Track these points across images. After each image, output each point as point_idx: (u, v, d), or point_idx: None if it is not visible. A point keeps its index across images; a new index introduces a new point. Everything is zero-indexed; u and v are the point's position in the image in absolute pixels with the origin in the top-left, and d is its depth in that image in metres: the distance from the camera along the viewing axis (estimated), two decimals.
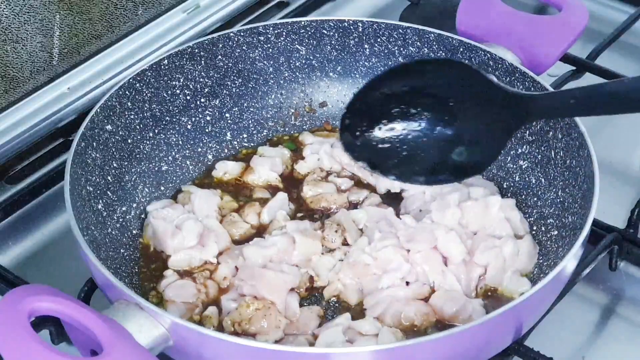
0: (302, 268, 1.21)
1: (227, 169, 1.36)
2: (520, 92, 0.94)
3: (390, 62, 1.41)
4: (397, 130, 0.96)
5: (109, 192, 1.26)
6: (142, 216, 1.29)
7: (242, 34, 1.39)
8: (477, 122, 0.94)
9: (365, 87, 0.99)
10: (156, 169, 1.34)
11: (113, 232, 1.24)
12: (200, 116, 1.39)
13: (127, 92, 1.31)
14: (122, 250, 1.24)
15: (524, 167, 1.33)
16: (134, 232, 1.27)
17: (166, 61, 1.35)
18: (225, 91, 1.41)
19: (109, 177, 1.27)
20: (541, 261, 1.22)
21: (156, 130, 1.35)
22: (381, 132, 0.97)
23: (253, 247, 1.23)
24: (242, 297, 1.17)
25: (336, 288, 1.20)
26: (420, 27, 1.38)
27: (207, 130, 1.40)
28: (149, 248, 1.26)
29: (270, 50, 1.41)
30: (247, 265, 1.21)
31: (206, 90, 1.39)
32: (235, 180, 1.35)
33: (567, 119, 1.24)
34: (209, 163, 1.38)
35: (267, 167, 1.35)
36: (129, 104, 1.31)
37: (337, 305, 1.20)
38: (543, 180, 1.29)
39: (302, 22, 1.41)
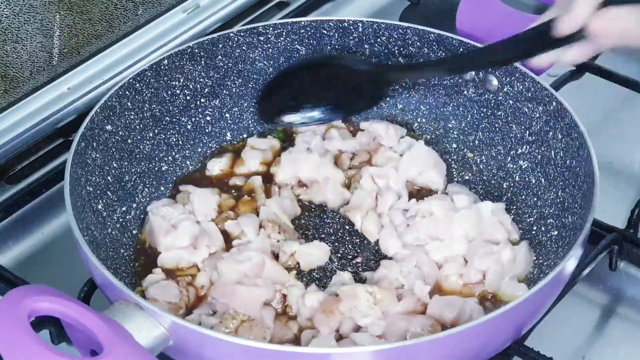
0: (276, 283, 1.20)
1: (218, 166, 1.35)
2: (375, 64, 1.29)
3: (390, 62, 1.41)
4: (301, 114, 1.26)
5: (109, 192, 1.26)
6: (142, 216, 1.29)
7: (242, 34, 1.39)
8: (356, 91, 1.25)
9: (266, 86, 1.30)
10: (156, 169, 1.34)
11: (113, 232, 1.24)
12: (200, 116, 1.39)
13: (127, 92, 1.31)
14: (122, 250, 1.24)
15: (524, 167, 1.33)
16: (134, 232, 1.27)
17: (166, 61, 1.35)
18: (225, 91, 1.41)
19: (109, 177, 1.27)
20: (541, 261, 1.22)
21: (156, 130, 1.35)
22: (288, 116, 1.27)
23: (228, 262, 1.20)
24: (221, 312, 1.16)
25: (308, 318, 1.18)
26: (420, 27, 1.38)
27: (207, 130, 1.40)
28: (145, 244, 1.26)
29: (270, 50, 1.41)
30: (220, 283, 1.19)
31: (206, 90, 1.39)
32: (227, 175, 1.35)
33: (568, 119, 1.24)
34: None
35: (258, 160, 1.35)
36: (129, 104, 1.31)
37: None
38: (543, 180, 1.29)
39: (302, 22, 1.41)
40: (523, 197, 1.31)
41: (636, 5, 0.98)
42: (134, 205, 1.29)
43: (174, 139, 1.37)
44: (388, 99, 1.39)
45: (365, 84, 1.23)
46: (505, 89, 1.34)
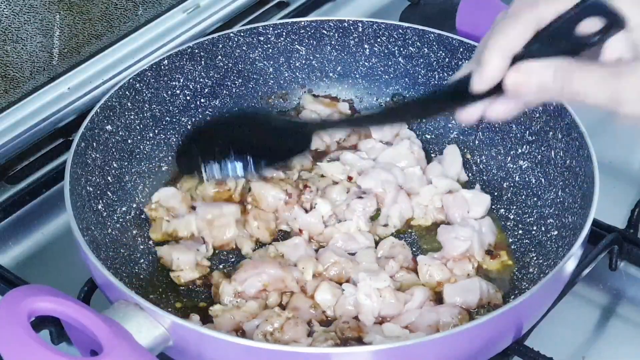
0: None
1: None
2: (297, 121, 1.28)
3: (390, 62, 1.41)
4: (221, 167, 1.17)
5: (109, 192, 1.26)
6: (142, 216, 1.29)
7: (242, 34, 1.39)
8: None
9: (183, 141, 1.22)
10: (156, 169, 1.34)
11: (113, 233, 1.24)
12: (200, 116, 1.39)
13: (127, 92, 1.31)
14: (122, 250, 1.24)
15: (524, 167, 1.33)
16: (134, 232, 1.27)
17: (166, 61, 1.35)
18: (225, 91, 1.41)
19: (109, 177, 1.27)
20: (541, 261, 1.22)
21: (156, 131, 1.35)
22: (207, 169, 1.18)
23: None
24: (271, 310, 1.16)
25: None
26: (420, 27, 1.38)
27: None
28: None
29: (270, 50, 1.41)
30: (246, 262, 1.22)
31: (206, 90, 1.39)
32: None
33: (568, 119, 1.24)
34: None
35: None
36: (129, 104, 1.31)
37: None
38: (543, 180, 1.29)
39: (302, 22, 1.41)
40: (523, 197, 1.31)
41: (551, 58, 0.94)
42: (134, 205, 1.29)
43: (174, 139, 1.37)
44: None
45: (288, 138, 1.17)
46: None
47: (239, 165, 1.14)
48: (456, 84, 1.00)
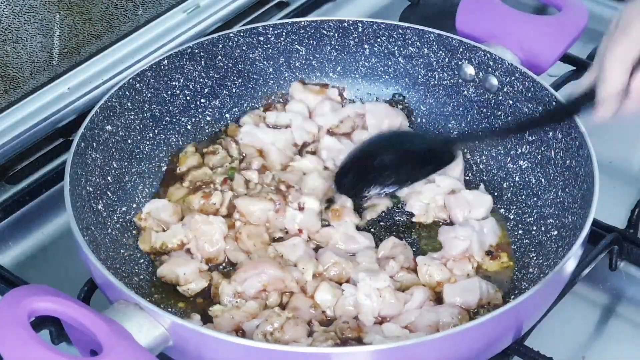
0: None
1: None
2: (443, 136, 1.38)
3: (390, 62, 1.41)
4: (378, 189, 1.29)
5: (109, 193, 1.26)
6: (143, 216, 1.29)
7: (242, 34, 1.39)
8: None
9: (344, 166, 1.31)
10: (156, 169, 1.34)
11: (113, 233, 1.24)
12: (200, 116, 1.39)
13: (127, 93, 1.31)
14: (122, 251, 1.24)
15: (524, 167, 1.33)
16: (134, 232, 1.27)
17: (166, 61, 1.35)
18: (225, 91, 1.41)
19: (109, 178, 1.27)
20: (541, 261, 1.22)
21: (156, 131, 1.35)
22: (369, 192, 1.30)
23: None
24: (271, 310, 1.16)
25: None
26: (420, 27, 1.38)
27: (207, 131, 1.40)
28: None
29: (270, 50, 1.41)
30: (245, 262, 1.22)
31: (206, 90, 1.39)
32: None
33: (567, 119, 1.24)
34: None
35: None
36: (129, 104, 1.31)
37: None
38: (543, 180, 1.29)
39: (302, 22, 1.41)
40: (523, 197, 1.31)
41: None
42: (134, 206, 1.29)
43: (174, 139, 1.37)
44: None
45: (435, 154, 1.29)
46: (505, 89, 1.34)
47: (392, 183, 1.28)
48: (583, 95, 1.07)
